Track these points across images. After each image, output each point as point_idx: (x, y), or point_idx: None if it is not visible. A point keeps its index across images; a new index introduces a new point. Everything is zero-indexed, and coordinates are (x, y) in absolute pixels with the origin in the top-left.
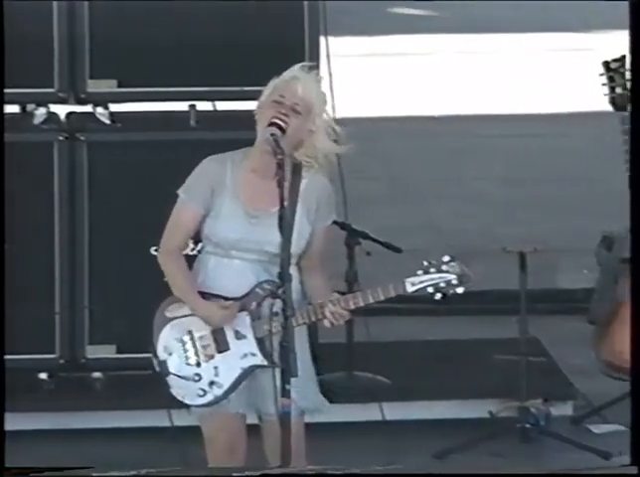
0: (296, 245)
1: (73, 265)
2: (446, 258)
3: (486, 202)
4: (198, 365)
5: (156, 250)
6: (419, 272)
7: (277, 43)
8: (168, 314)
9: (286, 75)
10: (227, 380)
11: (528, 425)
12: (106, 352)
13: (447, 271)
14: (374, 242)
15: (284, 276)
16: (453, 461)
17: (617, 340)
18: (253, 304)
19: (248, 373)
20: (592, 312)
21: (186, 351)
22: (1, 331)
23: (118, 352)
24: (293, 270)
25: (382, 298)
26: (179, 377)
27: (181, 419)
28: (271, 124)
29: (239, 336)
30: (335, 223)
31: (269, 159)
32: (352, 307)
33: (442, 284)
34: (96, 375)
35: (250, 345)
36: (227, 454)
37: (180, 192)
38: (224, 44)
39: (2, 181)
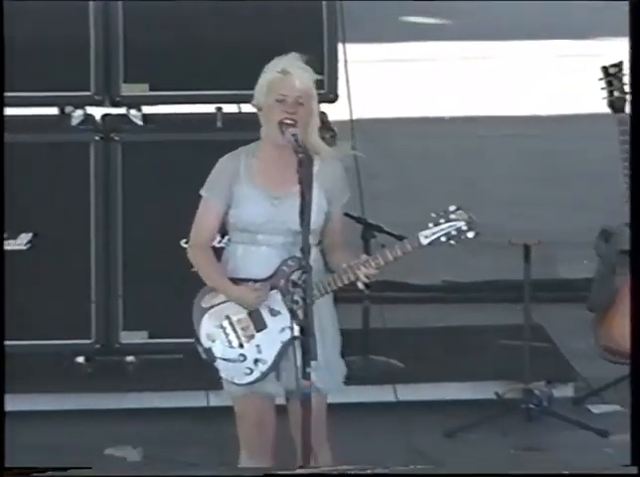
0: (315, 222)
1: (107, 257)
2: (452, 208)
3: (491, 198)
4: (241, 346)
5: (186, 243)
6: (430, 225)
7: (298, 50)
8: (204, 305)
9: (277, 70)
10: (270, 355)
11: (531, 406)
12: (139, 337)
13: (456, 219)
14: (388, 235)
15: (305, 254)
16: (462, 439)
17: (615, 326)
18: (282, 281)
19: (288, 345)
20: (592, 300)
21: (227, 335)
22: (1, 330)
23: (150, 337)
24: (315, 252)
25: (400, 254)
26: (225, 360)
27: (200, 401)
28: (281, 124)
29: (273, 313)
30: (352, 217)
31: (281, 148)
32: (382, 264)
33: (454, 232)
34: (129, 358)
35: (286, 319)
36: (258, 430)
37: (202, 192)
38: (249, 50)
39: (2, 181)
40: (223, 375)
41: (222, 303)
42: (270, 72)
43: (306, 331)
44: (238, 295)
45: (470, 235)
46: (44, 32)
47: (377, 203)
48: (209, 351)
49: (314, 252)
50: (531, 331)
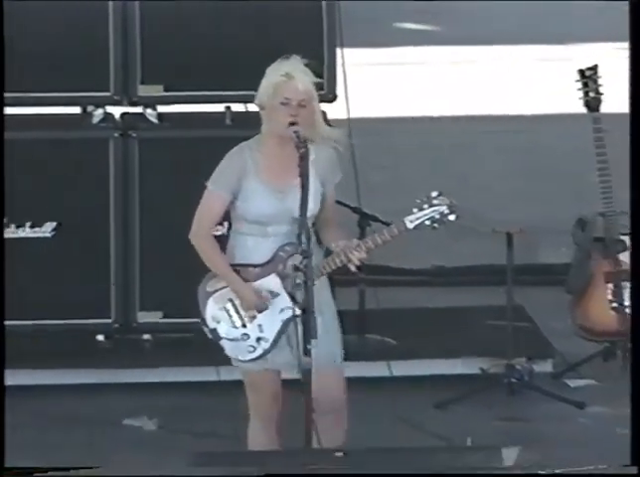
0: (313, 208)
1: (125, 244)
2: (434, 194)
3: (478, 189)
4: (244, 326)
5: None
6: (415, 210)
7: (301, 53)
8: (209, 289)
9: (280, 74)
10: (271, 333)
11: (514, 380)
12: (154, 317)
13: (439, 204)
14: (382, 224)
15: (307, 240)
16: (450, 411)
17: (590, 307)
18: (280, 266)
19: (288, 324)
20: (569, 284)
21: (231, 317)
22: (1, 329)
23: (164, 317)
24: (313, 237)
25: (388, 238)
26: (229, 339)
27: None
28: (287, 124)
29: (273, 295)
30: (349, 207)
31: (283, 144)
32: (372, 248)
33: (437, 216)
34: (146, 336)
35: (285, 300)
36: (267, 401)
37: (208, 184)
38: (254, 54)
39: (2, 180)
40: (227, 353)
41: (225, 287)
42: (274, 75)
43: (307, 311)
44: (242, 292)
45: (452, 217)
46: (68, 37)
47: (372, 194)
48: (214, 331)
49: (313, 238)
50: (513, 312)
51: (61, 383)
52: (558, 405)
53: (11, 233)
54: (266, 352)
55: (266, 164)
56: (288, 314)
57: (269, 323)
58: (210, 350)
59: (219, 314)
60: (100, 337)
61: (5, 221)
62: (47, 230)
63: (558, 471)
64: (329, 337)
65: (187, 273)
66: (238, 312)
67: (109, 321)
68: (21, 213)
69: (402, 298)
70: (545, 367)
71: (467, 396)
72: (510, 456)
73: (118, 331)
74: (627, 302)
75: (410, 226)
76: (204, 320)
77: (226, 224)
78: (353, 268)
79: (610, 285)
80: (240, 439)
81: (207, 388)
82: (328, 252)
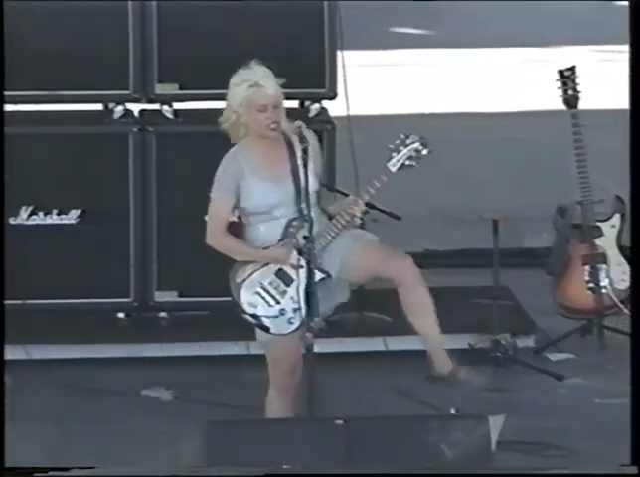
0: (313, 185)
1: (144, 229)
2: (403, 136)
3: (466, 180)
4: (278, 303)
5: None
6: (393, 154)
7: (304, 55)
8: (238, 280)
9: (249, 84)
10: (305, 301)
11: (499, 354)
12: (170, 296)
13: (412, 143)
14: (379, 211)
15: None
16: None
17: (569, 287)
18: (293, 240)
19: (317, 289)
20: (550, 266)
21: (264, 298)
22: (1, 329)
23: (179, 296)
24: (315, 209)
25: (378, 185)
26: (270, 318)
27: (223, 349)
28: (268, 126)
29: (296, 267)
30: (345, 194)
31: (265, 141)
32: (367, 199)
33: (414, 154)
34: (162, 314)
35: (307, 269)
36: (289, 375)
37: (212, 192)
38: (262, 54)
39: (2, 180)
40: (273, 331)
41: (252, 274)
42: (243, 87)
43: (309, 292)
44: (272, 257)
45: (425, 151)
46: (91, 40)
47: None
48: (255, 316)
49: (316, 210)
50: (498, 292)
51: (84, 356)
52: (539, 377)
53: (39, 219)
54: (305, 318)
55: (258, 161)
56: (314, 280)
57: (300, 293)
58: (222, 326)
59: (253, 299)
60: (121, 315)
61: (34, 208)
62: (72, 217)
63: (558, 471)
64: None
65: (200, 256)
66: (269, 292)
67: (129, 300)
68: (48, 201)
69: None
70: (527, 342)
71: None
72: (496, 424)
73: (137, 309)
74: (602, 283)
75: (394, 169)
76: (242, 309)
77: (236, 211)
78: (357, 221)
79: (587, 267)
80: (251, 409)
81: (219, 361)
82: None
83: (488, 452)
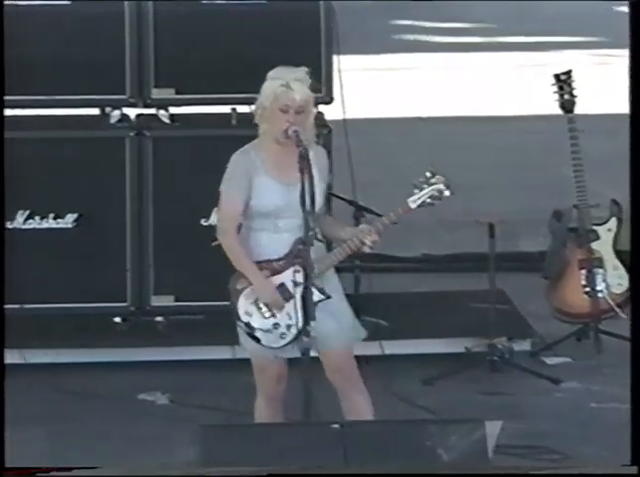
0: (320, 198)
1: (140, 233)
2: (429, 174)
3: (462, 183)
4: (274, 316)
5: (205, 222)
6: (416, 191)
7: (301, 60)
8: (239, 287)
9: (281, 83)
10: (299, 319)
11: (495, 358)
12: (166, 301)
13: (436, 183)
14: (376, 216)
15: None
16: (437, 386)
17: (565, 291)
18: (299, 258)
19: (314, 308)
20: (546, 270)
21: (260, 309)
22: (1, 328)
23: (176, 301)
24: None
25: (395, 219)
26: (263, 331)
27: (219, 354)
28: (285, 129)
29: (296, 284)
30: (344, 199)
31: (282, 144)
32: (382, 230)
33: (436, 193)
34: (159, 319)
35: (304, 273)
36: (275, 382)
37: (221, 188)
38: (258, 60)
39: (2, 180)
40: (263, 342)
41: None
42: (276, 82)
43: (306, 295)
44: (260, 288)
45: (447, 193)
46: (88, 45)
47: (366, 188)
48: (248, 325)
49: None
50: (495, 295)
51: (81, 361)
52: (536, 381)
53: (36, 224)
54: (296, 336)
55: (271, 161)
56: (314, 300)
57: (296, 310)
58: (218, 331)
59: (250, 308)
60: (117, 319)
61: (30, 212)
62: (68, 221)
63: (558, 471)
64: (335, 318)
65: (196, 261)
66: (266, 304)
67: (126, 305)
68: (45, 205)
69: (394, 283)
70: (524, 346)
71: (453, 372)
72: (493, 430)
73: (134, 314)
74: (599, 287)
75: (414, 206)
76: (238, 316)
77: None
78: (367, 250)
79: (583, 271)
80: (245, 413)
81: (215, 365)
82: (328, 243)
83: (485, 457)
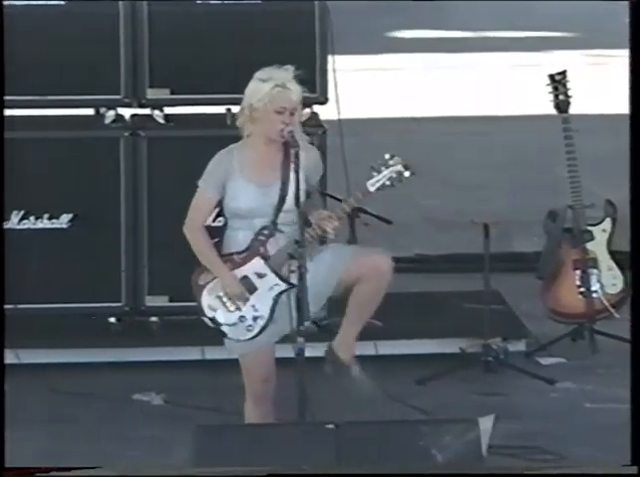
0: (303, 197)
1: (135, 234)
2: (388, 156)
3: (456, 184)
4: (239, 309)
5: None
6: (374, 174)
7: (295, 60)
8: (201, 282)
9: (276, 82)
10: (265, 311)
11: (490, 358)
12: (161, 301)
13: (394, 164)
14: (370, 216)
15: (301, 242)
16: (431, 387)
17: (560, 292)
18: (261, 249)
19: (278, 299)
20: (541, 270)
21: (224, 303)
22: (1, 328)
23: (170, 301)
24: (295, 214)
25: (355, 204)
26: (229, 325)
27: (213, 354)
28: (283, 130)
29: (260, 275)
30: (338, 199)
31: (270, 144)
32: (342, 216)
33: (395, 175)
34: (153, 319)
35: (271, 278)
36: (263, 383)
37: (199, 182)
38: (252, 61)
39: (2, 180)
40: (230, 336)
41: (215, 278)
42: (268, 84)
43: (301, 296)
44: (225, 281)
45: (407, 174)
46: (82, 45)
47: (360, 187)
48: (213, 320)
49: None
50: (489, 296)
51: (75, 361)
52: (530, 381)
53: (31, 224)
54: (263, 328)
55: (252, 162)
56: (277, 290)
57: (262, 302)
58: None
59: (214, 303)
60: (112, 319)
61: (25, 213)
62: (63, 221)
63: (558, 471)
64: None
65: (191, 261)
66: (230, 298)
67: (120, 305)
68: (39, 206)
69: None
70: (518, 346)
71: (447, 372)
72: (486, 425)
73: (128, 314)
74: (593, 287)
75: (372, 189)
76: (202, 311)
77: (223, 219)
78: (331, 237)
79: (578, 272)
80: (240, 414)
81: (210, 366)
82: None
83: (479, 456)
